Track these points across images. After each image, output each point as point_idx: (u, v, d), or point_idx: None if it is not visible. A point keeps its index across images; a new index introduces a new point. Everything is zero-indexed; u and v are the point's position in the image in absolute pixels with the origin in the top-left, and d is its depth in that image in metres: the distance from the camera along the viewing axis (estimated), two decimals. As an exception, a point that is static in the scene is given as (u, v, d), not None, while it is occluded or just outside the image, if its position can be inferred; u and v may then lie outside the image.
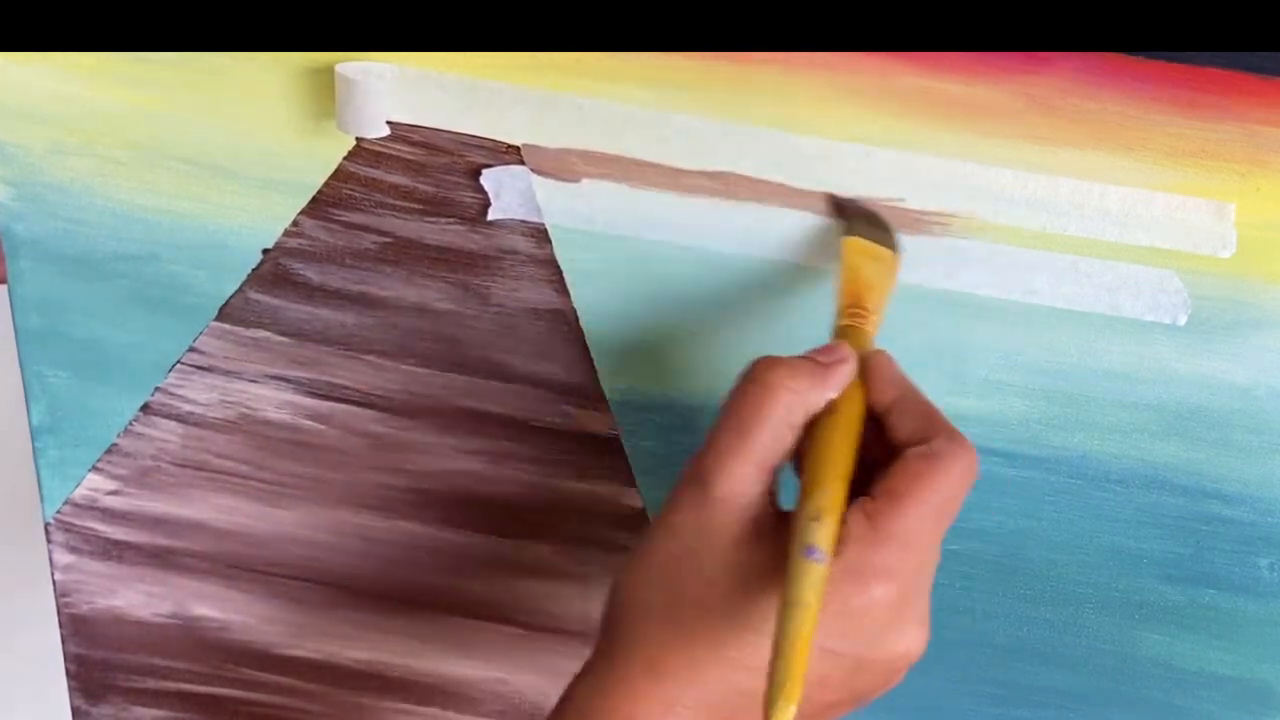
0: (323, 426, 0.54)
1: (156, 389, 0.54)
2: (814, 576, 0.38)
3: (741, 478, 0.41)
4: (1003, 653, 0.53)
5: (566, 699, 0.42)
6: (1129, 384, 0.50)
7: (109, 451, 0.56)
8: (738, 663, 0.40)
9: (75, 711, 0.60)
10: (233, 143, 0.50)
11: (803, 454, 0.42)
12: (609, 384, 0.52)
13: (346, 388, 0.54)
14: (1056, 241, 0.48)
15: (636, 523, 0.54)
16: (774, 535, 0.40)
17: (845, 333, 0.45)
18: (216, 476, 0.56)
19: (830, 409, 0.42)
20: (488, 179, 0.50)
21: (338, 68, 0.48)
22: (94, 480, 0.56)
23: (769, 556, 0.40)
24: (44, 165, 0.51)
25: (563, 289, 0.51)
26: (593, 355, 0.52)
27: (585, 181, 0.49)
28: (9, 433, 0.71)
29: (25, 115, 0.51)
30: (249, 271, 0.52)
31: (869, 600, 0.40)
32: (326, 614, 0.57)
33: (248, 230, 0.52)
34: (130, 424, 0.55)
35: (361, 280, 0.52)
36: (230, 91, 0.50)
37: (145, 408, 0.55)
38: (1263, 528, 0.51)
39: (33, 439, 0.56)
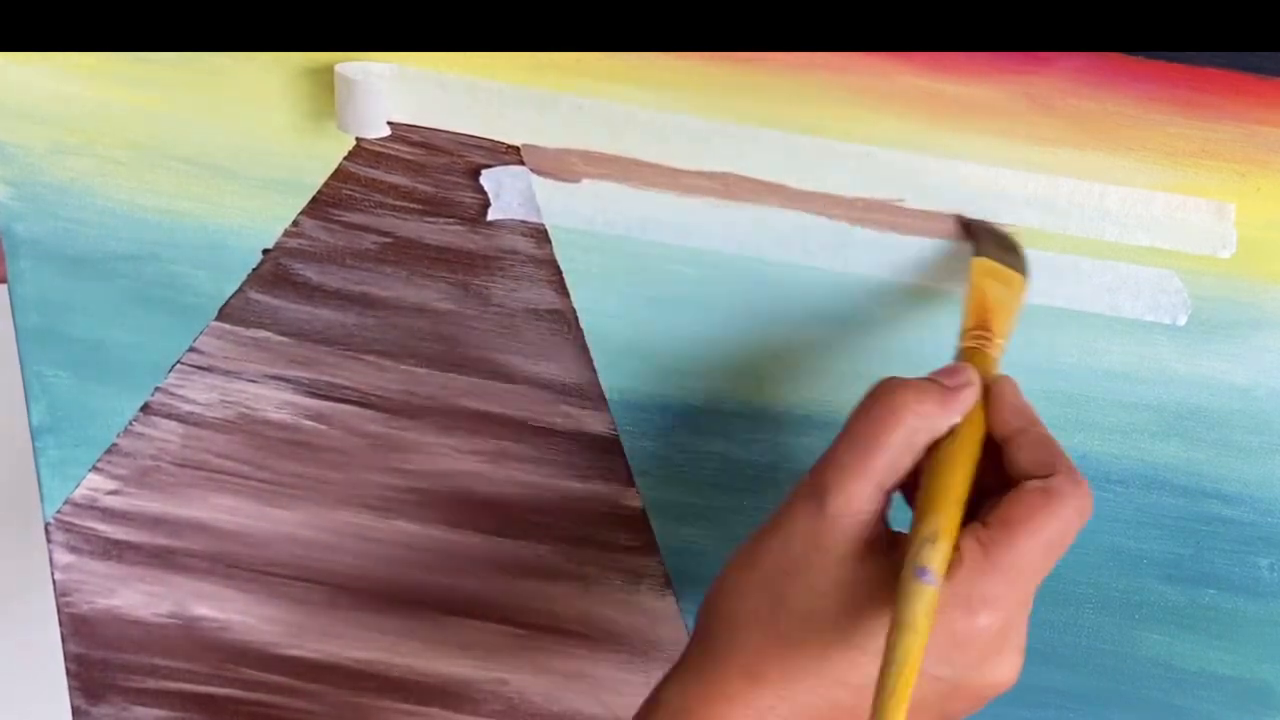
0: (323, 426, 0.54)
1: (156, 389, 0.54)
2: (926, 599, 0.38)
3: (859, 496, 0.41)
4: (1003, 653, 0.53)
5: (656, 699, 0.42)
6: (1129, 384, 0.50)
7: (109, 451, 0.56)
8: (837, 679, 0.40)
9: (75, 711, 0.60)
10: (233, 143, 0.50)
11: (919, 476, 0.42)
12: (609, 384, 0.52)
13: (346, 388, 0.54)
14: (1056, 241, 0.48)
15: (637, 523, 0.54)
16: (884, 555, 0.40)
17: (969, 355, 0.44)
18: (216, 476, 0.56)
19: (951, 433, 0.42)
20: (488, 179, 0.50)
21: (338, 68, 0.48)
22: (94, 480, 0.56)
23: (878, 576, 0.40)
24: (44, 165, 0.51)
25: (563, 289, 0.51)
26: (593, 355, 0.52)
27: (585, 181, 0.49)
28: (9, 433, 0.71)
29: (25, 115, 0.51)
30: (249, 271, 0.52)
31: (975, 628, 0.40)
32: (326, 614, 0.57)
33: (248, 230, 0.52)
34: (130, 424, 0.55)
35: (361, 280, 0.52)
36: (230, 91, 0.50)
37: (145, 408, 0.55)
38: (1263, 528, 0.51)
39: (33, 439, 0.56)
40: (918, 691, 0.39)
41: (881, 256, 0.49)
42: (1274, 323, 0.48)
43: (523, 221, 0.50)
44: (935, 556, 0.38)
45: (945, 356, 0.50)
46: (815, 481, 0.41)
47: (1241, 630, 0.52)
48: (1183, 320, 0.48)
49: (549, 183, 0.50)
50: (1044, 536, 0.40)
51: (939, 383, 0.42)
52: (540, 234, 0.50)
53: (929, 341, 0.50)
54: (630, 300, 0.51)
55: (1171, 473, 0.51)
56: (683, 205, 0.49)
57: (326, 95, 0.49)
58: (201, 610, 0.58)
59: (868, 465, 0.41)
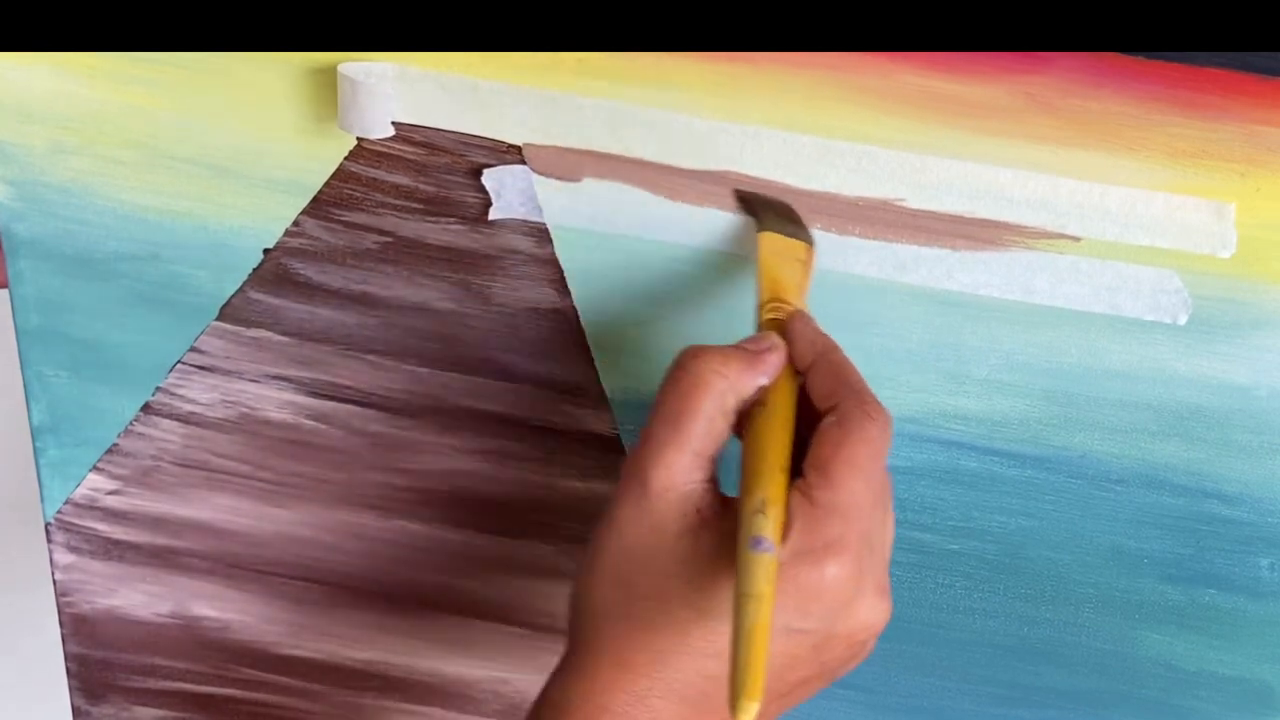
0: (323, 426, 0.54)
1: (157, 389, 0.54)
2: (765, 568, 0.38)
3: (679, 469, 0.41)
4: (1003, 653, 0.53)
5: (542, 697, 0.43)
6: (1129, 384, 0.50)
7: (109, 451, 0.56)
8: (702, 650, 0.40)
9: (76, 711, 0.60)
10: (234, 142, 0.50)
11: (743, 445, 0.42)
12: (609, 384, 0.52)
13: (347, 387, 0.54)
14: (1056, 242, 0.48)
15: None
16: (719, 521, 0.41)
17: (770, 326, 0.45)
18: (217, 476, 0.56)
19: (763, 399, 0.42)
20: (489, 179, 0.50)
21: (341, 69, 0.48)
22: (94, 480, 0.56)
23: (718, 543, 0.40)
24: (45, 165, 0.51)
25: (563, 289, 0.51)
26: (593, 355, 0.52)
27: (586, 181, 0.49)
28: (9, 433, 0.71)
29: (26, 115, 0.51)
30: (250, 271, 0.52)
31: (823, 576, 0.40)
32: (327, 614, 0.57)
33: (249, 230, 0.52)
34: (131, 424, 0.55)
35: (362, 280, 0.52)
36: (231, 91, 0.50)
37: (146, 407, 0.55)
38: (1263, 528, 0.51)
39: (33, 439, 0.56)
40: (784, 649, 0.39)
41: (881, 255, 0.49)
42: (1274, 322, 0.48)
43: (524, 221, 0.50)
44: (767, 525, 0.38)
45: (945, 356, 0.50)
46: (634, 463, 0.41)
47: (1241, 630, 0.52)
48: (1183, 320, 0.48)
49: (550, 182, 0.50)
50: (856, 464, 0.40)
51: (742, 347, 0.42)
52: (541, 233, 0.51)
53: (929, 341, 0.50)
54: (631, 300, 0.51)
55: (1171, 473, 0.51)
56: (683, 205, 0.49)
57: (327, 95, 0.49)
58: (202, 610, 0.58)
59: (681, 437, 0.41)
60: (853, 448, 0.40)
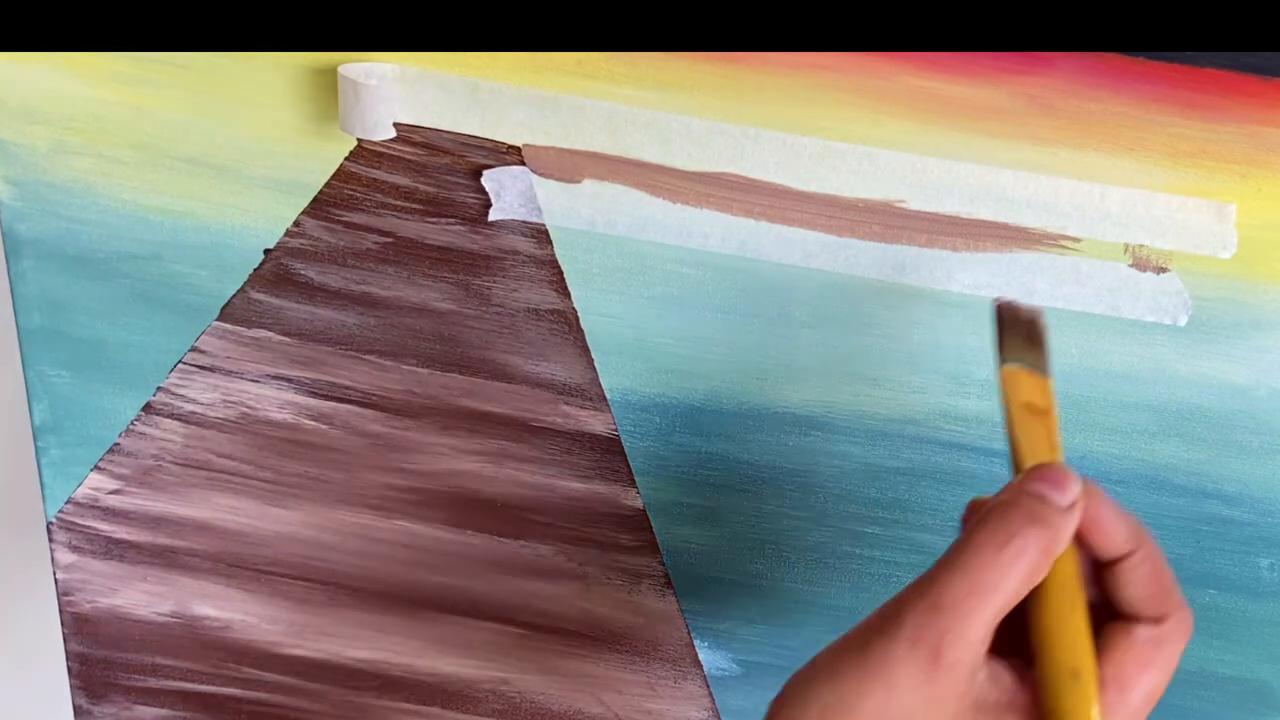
0: (324, 426, 0.54)
1: (158, 388, 0.55)
2: None
3: (977, 642, 0.37)
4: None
5: None
6: (1129, 384, 0.50)
7: (111, 451, 0.56)
8: None
9: (77, 710, 0.60)
10: (235, 142, 0.50)
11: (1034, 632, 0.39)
12: (609, 384, 0.52)
13: (348, 388, 0.54)
14: (1057, 242, 0.48)
15: (637, 523, 0.54)
16: (1004, 699, 0.38)
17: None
18: (218, 476, 0.56)
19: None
20: (489, 179, 0.50)
21: (341, 71, 0.48)
22: (96, 479, 0.56)
23: None
24: (46, 165, 0.51)
25: (563, 289, 0.51)
26: (593, 355, 0.52)
27: (586, 182, 0.49)
28: (11, 432, 0.71)
29: (27, 115, 0.51)
30: (251, 271, 0.52)
31: None
32: (328, 613, 0.57)
33: (250, 230, 0.52)
34: (132, 423, 0.55)
35: (363, 280, 0.52)
36: (232, 91, 0.50)
37: (147, 407, 0.55)
38: (1263, 528, 0.51)
39: (35, 438, 0.56)
40: None
41: (881, 256, 0.49)
42: (1274, 323, 0.48)
43: (524, 222, 0.50)
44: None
45: (945, 356, 0.50)
46: (928, 626, 0.37)
47: (1241, 630, 0.52)
48: (1183, 321, 0.48)
49: (550, 183, 0.50)
50: (1155, 683, 0.38)
51: (1051, 502, 0.38)
52: (541, 234, 0.51)
53: (929, 342, 0.50)
54: (631, 300, 0.51)
55: (1171, 473, 0.51)
56: (683, 206, 0.49)
57: (328, 95, 0.49)
58: (203, 610, 0.58)
59: (989, 610, 0.37)
60: (1162, 676, 0.38)
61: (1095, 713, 0.37)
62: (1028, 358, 0.44)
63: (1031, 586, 0.38)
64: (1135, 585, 0.39)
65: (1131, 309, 0.49)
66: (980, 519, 0.38)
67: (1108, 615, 0.39)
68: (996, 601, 0.37)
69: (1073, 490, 0.39)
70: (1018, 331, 0.45)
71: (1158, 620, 0.39)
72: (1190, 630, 0.39)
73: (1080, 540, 0.39)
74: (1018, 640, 0.39)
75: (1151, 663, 0.38)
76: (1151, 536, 0.40)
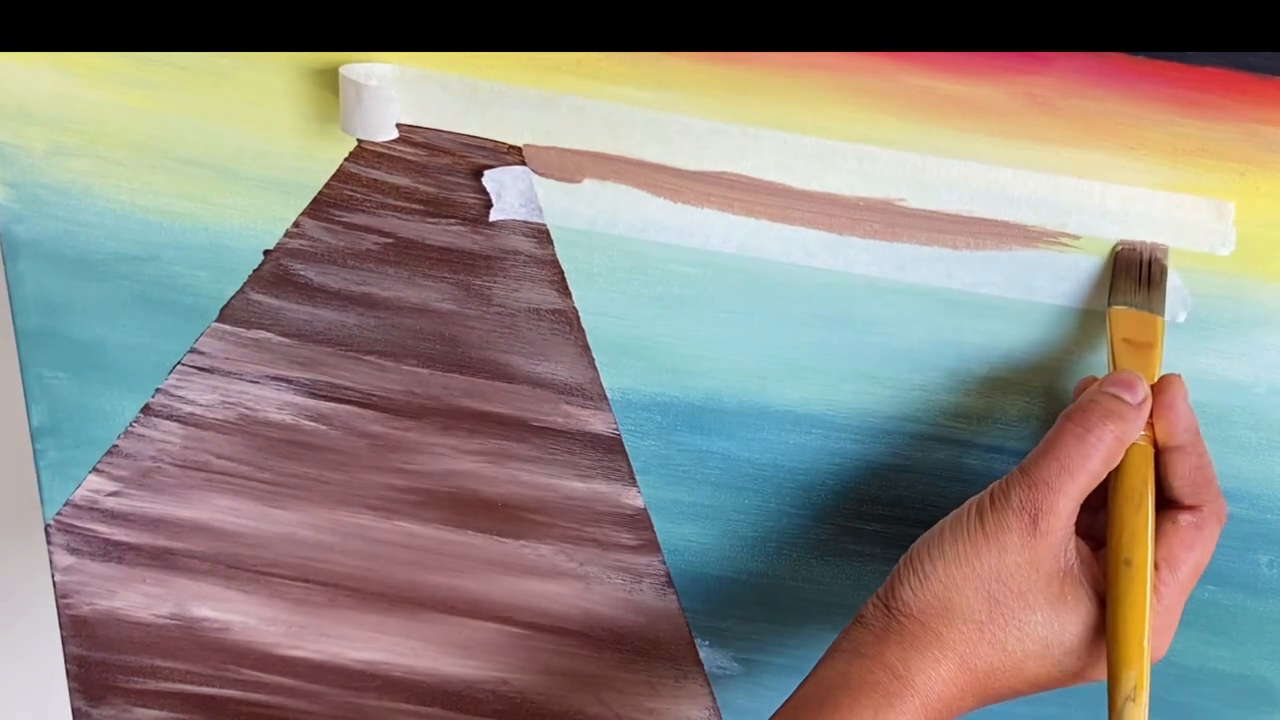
0: (324, 427, 0.54)
1: (157, 390, 0.54)
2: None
3: (1066, 514, 0.45)
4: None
5: (869, 650, 0.46)
6: (1128, 382, 0.50)
7: (109, 453, 0.56)
8: (1027, 680, 0.46)
9: (76, 713, 0.60)
10: (234, 143, 0.50)
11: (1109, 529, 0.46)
12: (610, 384, 0.52)
13: (347, 388, 0.54)
14: (1057, 241, 0.48)
15: (637, 522, 0.54)
16: (1085, 571, 0.46)
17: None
18: (217, 477, 0.56)
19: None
20: (489, 180, 0.50)
21: (342, 72, 0.48)
22: (94, 481, 0.56)
23: (1080, 596, 0.46)
24: (44, 166, 0.51)
25: (564, 289, 0.51)
26: (594, 355, 0.52)
27: (587, 182, 0.49)
28: (9, 434, 0.70)
29: (25, 116, 0.51)
30: (250, 272, 0.52)
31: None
32: (327, 614, 0.57)
33: (249, 231, 0.52)
34: (131, 425, 0.55)
35: (363, 281, 0.52)
36: (231, 92, 0.50)
37: (146, 409, 0.55)
38: (1262, 524, 0.51)
39: (33, 440, 0.56)
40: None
41: (882, 255, 0.49)
42: (1273, 320, 0.48)
43: (524, 222, 0.50)
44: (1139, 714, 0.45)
45: (946, 354, 0.50)
46: (1027, 498, 0.45)
47: (1241, 627, 0.52)
48: (1182, 318, 0.49)
49: (550, 183, 0.50)
50: (1198, 560, 0.46)
51: (1124, 400, 0.46)
52: (542, 234, 0.51)
53: (930, 340, 0.50)
54: (631, 300, 0.51)
55: (1171, 470, 0.51)
56: (683, 206, 0.49)
57: (327, 96, 0.49)
58: (202, 611, 0.58)
59: (1076, 488, 0.45)
60: (1204, 555, 0.46)
61: (1140, 592, 0.45)
62: (1135, 299, 0.47)
63: (1109, 468, 0.46)
64: (1182, 476, 0.46)
65: (1130, 307, 0.49)
66: (1066, 414, 0.46)
67: (1157, 506, 0.46)
68: (1082, 479, 0.45)
69: (1141, 391, 0.46)
70: (1130, 275, 0.48)
71: (1196, 507, 0.46)
72: (1225, 515, 0.47)
73: (1155, 420, 0.46)
74: (1100, 534, 0.47)
75: (1194, 544, 0.46)
76: (1198, 432, 0.47)
